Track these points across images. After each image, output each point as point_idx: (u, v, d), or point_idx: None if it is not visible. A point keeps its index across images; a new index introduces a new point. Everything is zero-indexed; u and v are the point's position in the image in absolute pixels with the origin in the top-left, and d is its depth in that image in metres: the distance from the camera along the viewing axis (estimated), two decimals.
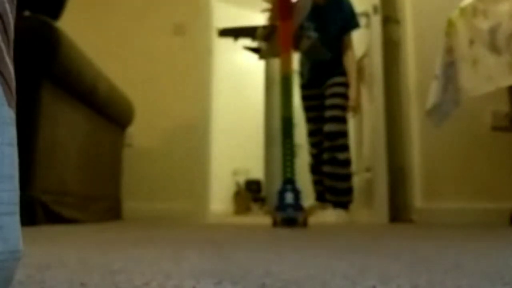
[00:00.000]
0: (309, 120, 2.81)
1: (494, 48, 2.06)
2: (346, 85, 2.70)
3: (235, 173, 5.33)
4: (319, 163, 2.72)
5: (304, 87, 2.85)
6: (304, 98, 2.85)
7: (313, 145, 2.82)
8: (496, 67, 2.04)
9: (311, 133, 2.83)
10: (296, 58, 2.85)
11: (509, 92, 2.41)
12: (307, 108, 2.83)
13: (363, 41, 3.32)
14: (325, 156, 2.60)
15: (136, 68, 3.61)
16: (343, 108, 2.66)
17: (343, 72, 2.72)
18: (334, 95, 2.65)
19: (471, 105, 2.51)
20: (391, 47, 3.27)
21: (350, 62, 2.74)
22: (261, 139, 5.48)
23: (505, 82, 2.06)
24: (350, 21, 2.74)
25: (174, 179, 3.50)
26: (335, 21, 2.70)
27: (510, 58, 1.98)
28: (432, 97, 2.44)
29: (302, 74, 2.86)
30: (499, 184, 2.76)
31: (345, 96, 2.70)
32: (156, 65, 3.65)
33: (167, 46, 3.68)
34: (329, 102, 2.66)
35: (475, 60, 2.13)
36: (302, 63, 2.88)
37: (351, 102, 2.71)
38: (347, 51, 2.73)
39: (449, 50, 2.39)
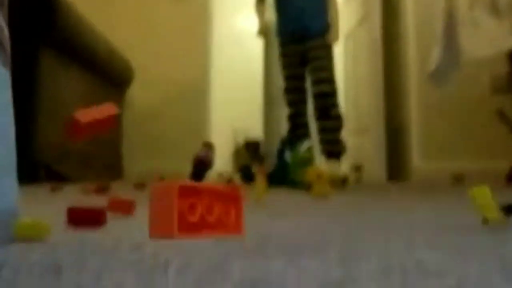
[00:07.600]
0: (288, 77, 2.67)
1: (495, 11, 2.03)
2: (330, 49, 2.58)
3: (234, 132, 5.33)
4: (297, 125, 2.60)
5: (283, 44, 2.70)
6: (284, 55, 2.69)
7: (290, 104, 2.68)
8: (497, 31, 2.02)
9: (289, 91, 2.68)
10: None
11: (509, 56, 2.39)
12: (286, 65, 2.68)
13: (361, 3, 3.27)
14: (316, 113, 2.55)
15: (136, 32, 3.58)
16: (331, 81, 2.58)
17: (326, 27, 2.56)
18: (320, 68, 2.55)
19: (469, 67, 2.50)
20: (391, 8, 3.22)
21: (334, 13, 2.59)
22: (261, 99, 5.45)
23: (507, 46, 2.05)
24: None
25: (174, 139, 3.51)
26: None
27: (510, 23, 1.96)
28: (433, 59, 2.42)
29: (279, 31, 2.68)
30: (496, 143, 2.78)
31: (331, 70, 2.59)
32: (156, 29, 3.63)
33: (167, 10, 3.65)
34: (316, 76, 2.56)
35: (476, 23, 2.10)
36: (279, 16, 2.69)
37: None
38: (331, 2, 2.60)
39: (449, 13, 2.36)
